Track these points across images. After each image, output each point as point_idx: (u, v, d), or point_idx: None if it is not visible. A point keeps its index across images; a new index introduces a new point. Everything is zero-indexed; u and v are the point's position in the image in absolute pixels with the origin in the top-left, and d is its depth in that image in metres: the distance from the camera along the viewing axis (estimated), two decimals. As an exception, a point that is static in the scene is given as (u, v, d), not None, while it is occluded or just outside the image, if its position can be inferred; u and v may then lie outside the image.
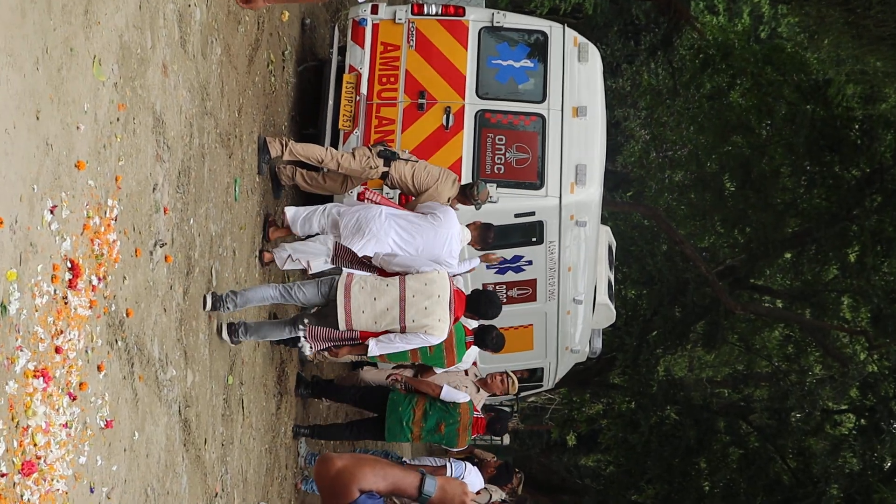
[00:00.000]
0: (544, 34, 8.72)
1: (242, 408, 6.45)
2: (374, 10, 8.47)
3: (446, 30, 8.51)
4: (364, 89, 8.26)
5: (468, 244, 7.29)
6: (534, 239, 8.73)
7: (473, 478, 7.79)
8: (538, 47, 8.66)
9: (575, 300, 9.65)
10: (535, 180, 8.29)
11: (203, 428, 5.58)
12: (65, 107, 3.81)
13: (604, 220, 10.84)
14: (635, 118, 18.86)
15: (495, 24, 8.62)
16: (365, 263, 6.50)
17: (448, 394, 7.58)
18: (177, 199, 5.10)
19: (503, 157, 8.27)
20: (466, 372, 8.13)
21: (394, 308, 5.93)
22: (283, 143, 7.11)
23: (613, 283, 11.75)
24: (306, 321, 6.19)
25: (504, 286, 9.23)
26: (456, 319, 6.37)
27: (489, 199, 7.47)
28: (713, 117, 14.91)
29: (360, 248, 6.68)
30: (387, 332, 6.02)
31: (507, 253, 8.80)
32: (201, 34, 5.53)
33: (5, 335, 3.41)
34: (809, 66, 13.90)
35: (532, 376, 11.42)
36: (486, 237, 7.21)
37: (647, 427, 15.96)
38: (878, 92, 13.60)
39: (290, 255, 6.88)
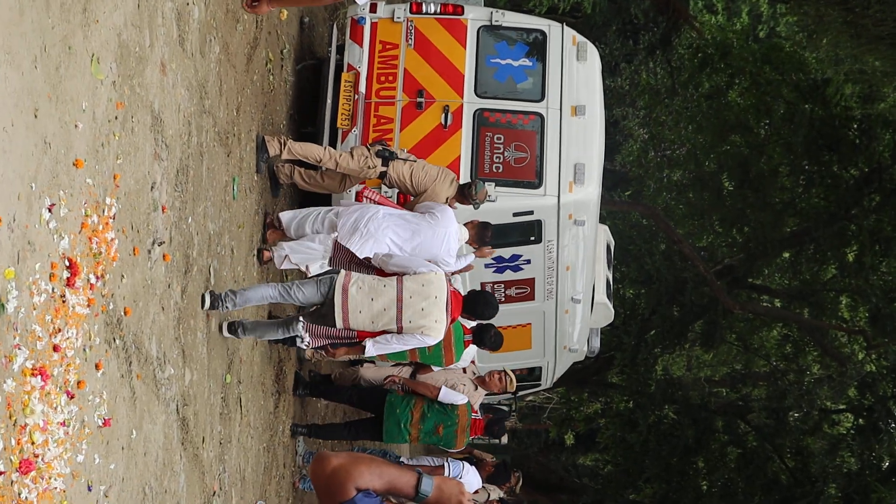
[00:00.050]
0: (543, 33, 8.72)
1: (240, 406, 6.45)
2: (373, 9, 8.47)
3: (445, 28, 8.51)
4: (362, 88, 8.26)
5: (466, 243, 7.29)
6: (532, 238, 8.73)
7: (471, 477, 7.80)
8: (537, 46, 8.66)
9: (573, 299, 9.65)
10: (533, 179, 8.29)
11: (201, 426, 5.58)
12: (63, 105, 3.80)
13: (602, 220, 10.85)
14: (634, 117, 18.88)
15: (494, 23, 8.62)
16: (363, 264, 6.51)
17: (446, 395, 7.58)
18: (175, 198, 5.10)
19: (502, 156, 8.27)
20: (465, 370, 8.13)
21: (391, 308, 5.96)
22: (282, 141, 7.11)
23: (612, 283, 11.75)
24: (302, 320, 6.22)
25: (502, 285, 9.23)
26: (453, 320, 6.41)
27: (487, 199, 7.48)
28: (712, 116, 14.92)
29: (359, 249, 6.67)
30: (384, 332, 6.06)
31: (506, 252, 8.81)
32: (200, 33, 5.53)
33: (3, 333, 3.41)
34: (808, 66, 13.91)
35: (530, 375, 11.42)
36: (483, 236, 7.21)
37: (646, 426, 15.97)
38: (876, 91, 13.60)
39: (287, 255, 6.89)
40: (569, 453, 24.50)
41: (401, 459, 8.14)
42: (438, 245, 6.87)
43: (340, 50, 8.51)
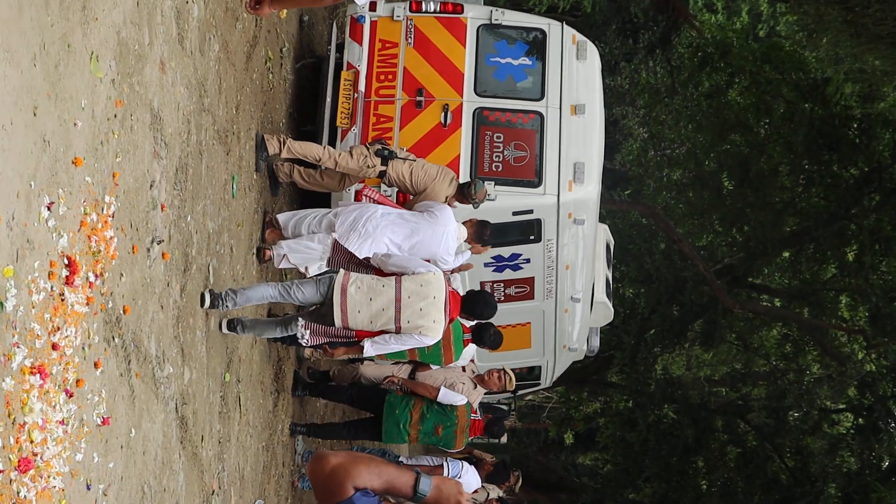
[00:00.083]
0: (543, 32, 8.71)
1: (239, 405, 6.44)
2: (373, 8, 8.46)
3: (444, 27, 8.51)
4: (362, 86, 8.25)
5: (464, 241, 7.28)
6: (532, 237, 8.73)
7: (470, 477, 7.79)
8: (536, 45, 8.66)
9: (573, 298, 9.65)
10: (533, 178, 8.28)
11: (200, 425, 5.57)
12: (62, 103, 3.80)
13: (602, 219, 10.85)
14: (634, 116, 18.87)
15: (494, 22, 8.62)
16: (363, 264, 6.52)
17: (445, 396, 7.57)
18: (174, 196, 5.10)
19: (501, 155, 8.27)
20: (464, 368, 8.13)
21: (389, 308, 5.98)
22: (281, 140, 7.10)
23: (611, 282, 11.75)
24: (301, 321, 6.23)
25: (502, 284, 9.23)
26: (451, 320, 6.43)
27: (487, 198, 7.47)
28: (711, 116, 14.91)
29: (357, 249, 6.68)
30: (383, 331, 6.07)
31: (505, 251, 8.81)
32: (199, 31, 5.52)
33: (2, 332, 3.40)
34: (808, 65, 13.90)
35: (530, 374, 11.42)
36: (482, 234, 7.21)
37: (645, 425, 15.96)
38: (876, 90, 13.59)
39: (285, 255, 6.90)
40: (568, 452, 24.50)
41: (400, 459, 8.14)
42: (437, 244, 6.87)
43: (340, 48, 8.51)
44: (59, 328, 3.78)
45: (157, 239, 4.83)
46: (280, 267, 7.00)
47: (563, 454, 24.28)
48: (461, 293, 7.46)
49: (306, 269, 6.89)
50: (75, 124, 3.90)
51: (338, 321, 6.00)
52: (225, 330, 6.03)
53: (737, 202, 15.16)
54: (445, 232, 6.88)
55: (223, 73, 6.05)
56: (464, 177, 8.05)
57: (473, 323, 7.34)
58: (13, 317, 3.46)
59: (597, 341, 11.79)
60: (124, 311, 4.41)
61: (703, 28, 15.36)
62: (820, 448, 15.67)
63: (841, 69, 12.30)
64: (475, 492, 8.16)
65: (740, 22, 16.67)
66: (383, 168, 7.24)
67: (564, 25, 8.84)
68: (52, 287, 3.73)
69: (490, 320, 7.00)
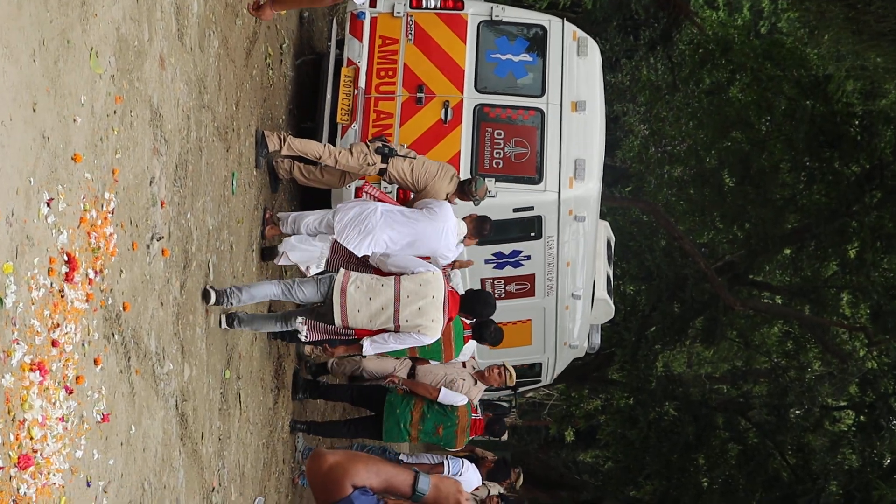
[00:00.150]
0: (543, 28, 8.70)
1: (240, 402, 6.44)
2: (373, 4, 8.45)
3: (445, 23, 8.49)
4: (362, 83, 8.24)
5: (465, 237, 7.27)
6: (532, 234, 8.72)
7: (471, 475, 7.79)
8: (537, 41, 8.64)
9: (573, 295, 9.64)
10: (533, 175, 8.27)
11: (200, 422, 5.57)
12: (61, 99, 3.79)
13: (602, 216, 10.83)
14: (634, 113, 18.83)
15: (494, 18, 8.61)
16: (362, 263, 6.53)
17: (446, 396, 7.57)
18: (174, 193, 5.09)
19: (502, 152, 8.25)
20: (464, 364, 8.12)
21: (388, 308, 6.04)
22: (282, 137, 7.09)
23: (612, 279, 11.74)
24: (301, 317, 6.26)
25: (502, 281, 9.22)
26: (450, 319, 6.48)
27: (487, 195, 7.46)
28: (712, 113, 14.88)
29: (356, 247, 6.67)
30: (382, 330, 6.11)
31: (506, 248, 8.80)
32: (199, 27, 5.51)
33: (2, 328, 3.40)
34: (809, 62, 13.87)
35: (530, 371, 11.41)
36: (481, 229, 7.20)
37: (646, 423, 15.94)
38: (878, 88, 13.56)
39: (285, 252, 6.91)
40: (569, 450, 24.50)
41: (401, 457, 8.13)
42: (437, 240, 6.87)
43: (340, 45, 8.50)
44: (58, 325, 3.77)
45: (156, 235, 4.82)
46: (280, 264, 7.00)
47: (563, 451, 24.28)
48: (461, 291, 7.48)
49: (307, 268, 6.90)
50: (75, 120, 3.89)
51: (338, 320, 6.05)
52: (224, 325, 6.03)
53: (738, 199, 15.13)
54: (445, 228, 6.88)
55: (223, 69, 6.04)
56: (464, 173, 8.03)
57: (473, 320, 7.34)
58: (13, 313, 3.45)
59: (597, 338, 11.78)
60: (124, 308, 4.41)
61: (705, 25, 15.32)
62: (821, 445, 15.65)
63: (842, 66, 12.28)
64: (476, 489, 8.16)
65: (742, 18, 16.63)
66: (383, 166, 7.22)
67: (565, 22, 8.82)
68: (51, 283, 3.73)
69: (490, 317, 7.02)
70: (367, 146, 7.31)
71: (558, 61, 8.56)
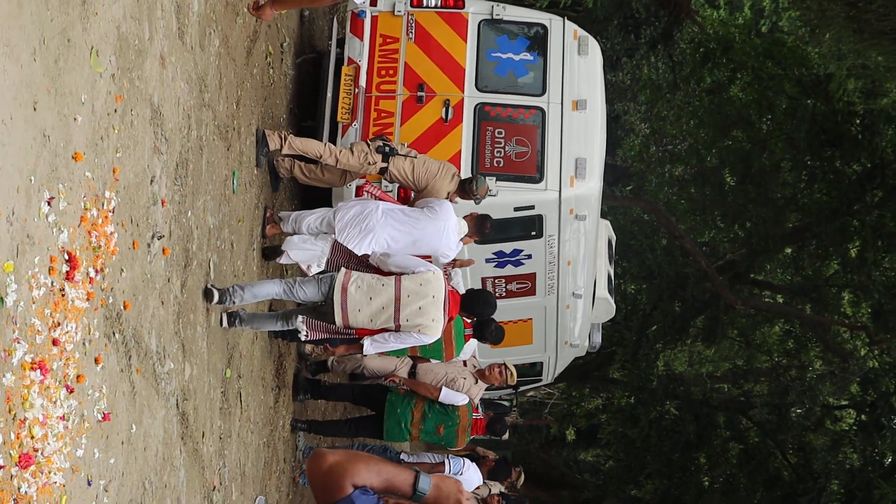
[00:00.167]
0: (544, 27, 8.69)
1: (240, 401, 6.44)
2: (374, 2, 8.44)
3: (445, 22, 8.48)
4: (363, 82, 8.23)
5: (466, 236, 7.27)
6: (533, 233, 8.71)
7: (472, 474, 7.79)
8: (538, 40, 8.63)
9: (574, 294, 9.64)
10: (534, 174, 8.26)
11: (201, 421, 5.57)
12: (62, 98, 3.79)
13: (603, 215, 10.82)
14: (635, 112, 18.82)
15: (495, 17, 8.60)
16: (362, 263, 6.54)
17: (447, 396, 7.56)
18: (174, 192, 5.09)
19: (502, 151, 8.25)
20: (465, 363, 8.11)
21: (389, 307, 6.07)
22: (283, 136, 7.09)
23: (613, 278, 11.73)
24: (301, 316, 6.28)
25: (503, 280, 9.22)
26: (451, 319, 6.50)
27: (488, 194, 7.45)
28: (713, 111, 14.86)
29: (357, 245, 6.67)
30: (383, 330, 6.13)
31: (507, 247, 8.79)
32: (199, 25, 5.51)
33: (2, 327, 3.40)
34: (810, 61, 13.85)
35: (531, 370, 11.41)
36: (482, 227, 7.20)
37: (647, 422, 15.93)
38: (879, 87, 13.56)
39: (286, 251, 6.92)
40: (570, 449, 24.49)
41: (402, 456, 8.13)
42: (438, 239, 6.87)
43: (341, 43, 8.49)
44: (59, 324, 3.77)
45: (157, 234, 4.82)
46: (281, 262, 7.01)
47: (564, 450, 24.27)
48: (462, 290, 7.48)
49: (308, 267, 6.92)
50: (75, 119, 3.89)
51: (338, 320, 6.09)
52: (225, 324, 6.03)
53: (739, 198, 15.12)
54: (446, 227, 6.88)
55: (223, 68, 6.04)
56: (465, 172, 8.03)
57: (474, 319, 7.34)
58: (13, 312, 3.45)
59: (598, 337, 11.78)
60: (125, 307, 4.41)
61: (705, 23, 15.31)
62: (822, 444, 15.63)
63: (844, 65, 12.26)
64: (477, 488, 8.16)
65: (742, 17, 16.62)
66: (384, 165, 7.22)
67: (566, 21, 8.81)
68: (52, 282, 3.72)
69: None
70: (368, 145, 7.30)
71: (559, 60, 8.56)
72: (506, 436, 9.03)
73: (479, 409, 9.11)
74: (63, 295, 3.80)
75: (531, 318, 9.99)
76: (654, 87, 16.48)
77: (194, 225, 5.44)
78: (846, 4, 10.42)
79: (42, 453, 3.63)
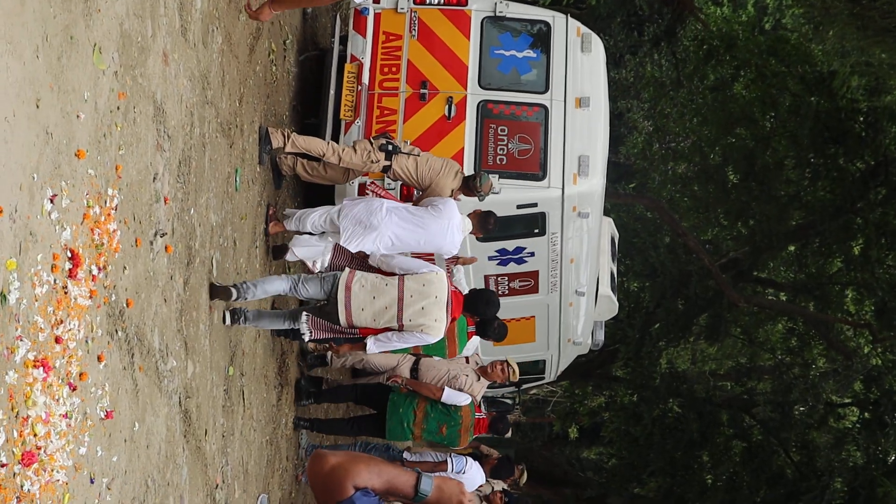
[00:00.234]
0: (547, 24, 8.67)
1: (243, 399, 6.43)
2: (376, 0, 8.43)
3: (448, 19, 8.47)
4: (366, 79, 8.22)
5: (469, 233, 7.27)
6: (536, 230, 8.70)
7: (475, 472, 7.78)
8: (541, 37, 8.61)
9: (577, 292, 9.62)
10: (537, 171, 8.25)
11: (203, 419, 5.56)
12: (65, 95, 3.78)
13: (606, 212, 10.81)
14: (638, 109, 18.79)
15: (498, 14, 8.58)
16: (364, 265, 6.55)
17: (449, 396, 7.56)
18: (177, 189, 5.08)
19: (505, 148, 8.23)
20: (467, 360, 8.11)
21: (392, 307, 6.09)
22: (285, 134, 7.08)
23: (616, 275, 11.72)
24: (306, 313, 6.30)
25: (506, 278, 9.21)
26: (453, 319, 6.52)
27: (492, 191, 7.44)
28: (717, 109, 14.83)
29: (360, 242, 6.68)
30: (386, 329, 6.15)
31: (510, 244, 8.78)
32: (202, 23, 5.50)
33: (5, 325, 3.39)
34: (814, 58, 13.82)
35: (534, 368, 11.40)
36: (485, 224, 7.19)
37: (650, 420, 15.93)
38: (883, 84, 13.52)
39: (291, 249, 6.93)
40: (573, 447, 24.50)
41: (404, 454, 8.12)
42: (442, 237, 6.87)
43: (343, 41, 8.48)
44: (62, 321, 3.76)
45: (160, 232, 4.81)
46: (287, 259, 7.04)
47: (567, 448, 24.28)
48: (464, 287, 7.48)
49: (313, 263, 6.95)
50: (78, 116, 3.89)
51: (342, 319, 6.12)
52: (228, 321, 6.03)
53: (742, 196, 15.09)
54: (450, 225, 6.88)
55: (226, 65, 6.03)
56: (468, 170, 8.01)
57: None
58: (16, 310, 3.45)
59: (601, 335, 11.76)
60: (127, 305, 4.40)
61: (709, 21, 15.27)
62: (826, 442, 15.63)
63: (847, 62, 12.23)
64: (479, 487, 8.15)
65: (746, 14, 16.59)
66: (387, 163, 7.21)
67: (569, 18, 8.80)
68: (55, 280, 3.72)
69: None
70: (371, 143, 7.29)
71: (562, 57, 8.54)
72: (508, 434, 9.03)
73: (482, 408, 9.10)
74: (66, 292, 3.80)
75: (534, 316, 9.98)
76: (657, 85, 16.46)
77: (197, 222, 5.44)
78: (850, 1, 10.40)
79: (45, 451, 3.63)
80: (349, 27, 8.44)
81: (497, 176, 7.94)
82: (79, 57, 3.89)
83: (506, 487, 8.84)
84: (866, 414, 15.40)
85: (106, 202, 4.15)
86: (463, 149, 8.13)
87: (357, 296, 6.08)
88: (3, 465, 3.36)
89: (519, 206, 8.30)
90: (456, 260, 7.77)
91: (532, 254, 8.95)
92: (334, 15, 9.15)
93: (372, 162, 7.22)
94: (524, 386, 13.30)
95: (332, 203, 7.55)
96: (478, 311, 6.76)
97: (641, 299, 17.64)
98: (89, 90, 3.98)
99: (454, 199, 7.21)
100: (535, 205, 8.35)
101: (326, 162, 7.44)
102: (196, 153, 5.40)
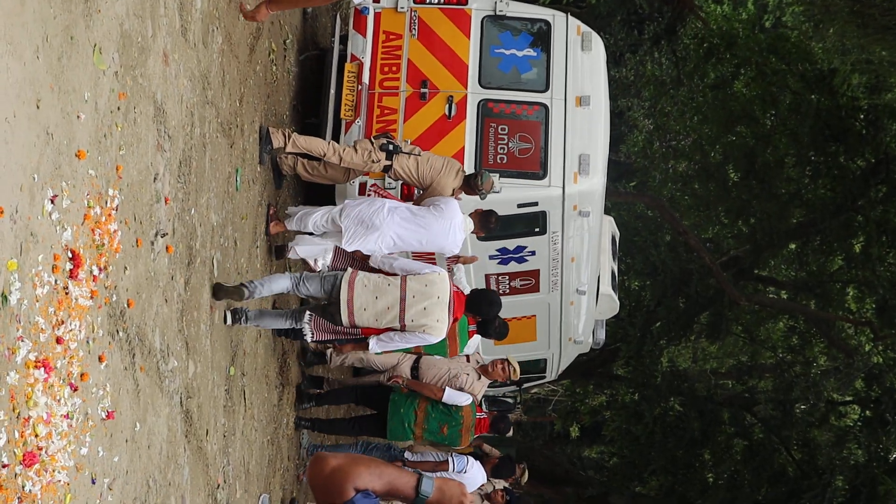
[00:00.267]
0: (547, 23, 8.66)
1: (244, 399, 6.43)
2: (376, -1, 8.44)
3: (448, 18, 8.46)
4: (366, 78, 8.22)
5: (471, 232, 7.26)
6: (537, 229, 8.69)
7: (476, 471, 7.77)
8: (541, 36, 8.61)
9: (578, 291, 9.62)
10: (538, 170, 8.24)
11: (205, 419, 5.56)
12: (65, 96, 3.78)
13: (607, 211, 10.80)
14: (639, 108, 18.77)
15: (498, 13, 8.57)
16: (365, 268, 6.55)
17: (450, 397, 7.56)
18: (178, 189, 5.08)
19: (506, 147, 8.23)
20: (468, 358, 8.11)
21: (394, 307, 6.11)
22: (286, 134, 7.08)
23: (617, 274, 11.71)
24: (309, 313, 6.31)
25: (507, 277, 9.21)
26: (455, 320, 6.53)
27: (493, 190, 7.44)
28: (717, 107, 14.82)
29: (362, 242, 6.68)
30: (388, 329, 6.15)
31: (510, 243, 8.78)
32: (202, 22, 5.50)
33: (6, 325, 3.39)
34: (814, 56, 13.81)
35: (535, 367, 11.40)
36: (487, 223, 7.19)
37: (651, 418, 15.92)
38: (883, 81, 13.52)
39: (293, 248, 6.93)
40: (574, 446, 24.50)
41: (405, 453, 8.12)
42: (444, 237, 6.87)
43: (344, 40, 8.47)
44: (63, 322, 3.76)
45: (160, 232, 4.81)
46: (290, 257, 7.04)
47: (568, 447, 24.27)
48: (464, 286, 7.47)
49: (314, 261, 6.95)
50: (78, 117, 3.88)
51: (344, 318, 6.13)
52: (229, 321, 6.02)
53: (743, 194, 15.09)
54: (452, 225, 6.89)
55: (226, 65, 6.03)
56: (468, 169, 8.01)
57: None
58: (17, 310, 3.45)
59: (602, 334, 11.75)
60: (128, 305, 4.40)
61: (709, 19, 15.26)
62: (827, 440, 15.62)
63: (848, 60, 12.23)
64: (481, 487, 8.15)
65: (746, 12, 16.58)
66: (388, 163, 7.21)
67: (569, 16, 8.79)
68: (56, 280, 3.72)
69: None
70: (372, 143, 7.29)
71: (562, 56, 8.53)
72: (510, 433, 9.03)
73: (483, 407, 9.11)
74: (67, 293, 3.80)
75: (535, 315, 9.98)
76: (657, 83, 16.45)
77: (197, 222, 5.44)
78: (850, -1, 10.41)
79: (46, 452, 3.63)
80: (349, 26, 8.44)
81: (497, 175, 7.94)
82: (79, 57, 3.88)
83: (507, 486, 8.85)
84: (867, 412, 15.40)
85: (107, 202, 4.14)
86: (463, 148, 8.13)
87: (360, 296, 6.10)
88: (4, 466, 3.36)
89: (520, 205, 8.29)
90: (456, 259, 7.77)
91: (533, 253, 8.95)
92: (334, 14, 9.14)
93: (373, 162, 7.22)
94: (525, 385, 13.30)
95: (333, 203, 7.55)
96: (480, 311, 6.79)
97: (642, 298, 17.63)
98: (89, 90, 3.98)
99: (455, 198, 7.21)
100: (535, 204, 8.35)
101: (327, 162, 7.44)
102: (196, 153, 5.40)
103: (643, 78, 16.91)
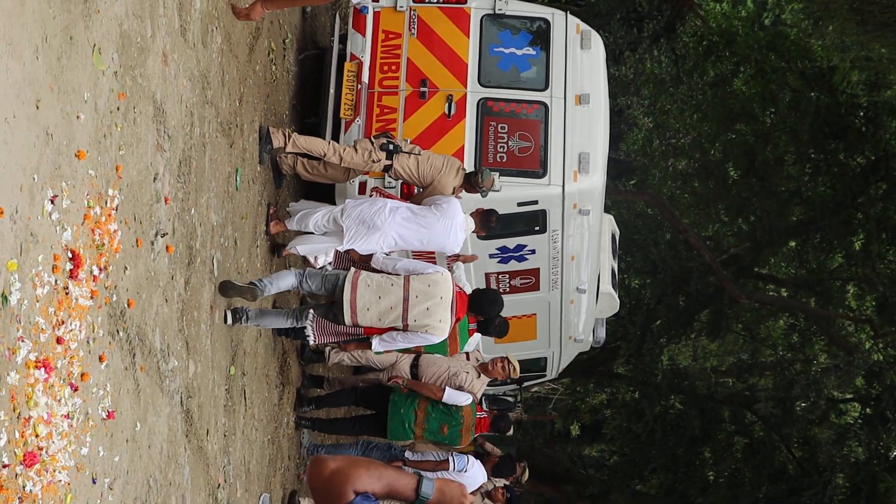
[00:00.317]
0: (547, 22, 8.66)
1: (245, 398, 6.44)
2: (375, -2, 8.43)
3: (448, 17, 8.46)
4: (365, 78, 8.22)
5: (472, 231, 7.27)
6: (537, 228, 8.70)
7: (476, 471, 7.78)
8: (541, 35, 8.61)
9: (578, 289, 9.62)
10: (537, 169, 8.24)
11: (205, 419, 5.57)
12: (65, 96, 3.78)
13: (607, 209, 10.80)
14: (638, 106, 18.77)
15: (497, 12, 8.57)
16: (366, 268, 6.56)
17: (450, 396, 7.56)
18: (178, 189, 5.08)
19: (506, 146, 8.23)
20: (468, 356, 8.11)
21: (397, 307, 6.14)
22: (286, 133, 7.08)
23: (617, 272, 11.71)
24: (312, 313, 6.32)
25: (507, 275, 9.21)
26: (458, 320, 6.55)
27: (493, 188, 7.44)
28: (717, 105, 14.82)
29: (364, 242, 6.68)
30: (391, 328, 6.17)
31: (510, 242, 8.78)
32: (201, 22, 5.50)
33: (6, 326, 3.39)
34: (814, 53, 13.81)
35: (535, 365, 11.40)
36: (487, 222, 7.20)
37: (652, 417, 15.93)
38: (883, 79, 13.52)
39: (295, 246, 6.94)
40: (574, 444, 24.50)
41: (406, 453, 8.13)
42: (446, 236, 6.88)
43: (343, 39, 8.47)
44: (63, 322, 3.76)
45: (160, 232, 4.81)
46: (291, 253, 7.05)
47: (569, 446, 24.28)
48: (466, 285, 7.48)
49: (315, 258, 6.96)
50: (78, 117, 3.88)
51: (347, 318, 6.15)
52: (229, 320, 6.02)
53: (742, 192, 15.09)
54: (453, 224, 6.89)
55: (226, 65, 6.03)
56: (468, 168, 8.01)
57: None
58: (17, 311, 3.45)
59: (603, 332, 11.76)
60: (129, 305, 4.40)
61: (708, 17, 15.26)
62: (827, 438, 15.62)
63: (847, 57, 12.23)
64: (482, 485, 8.15)
65: (745, 10, 16.57)
66: (388, 162, 7.21)
67: (568, 15, 8.79)
68: (56, 281, 3.72)
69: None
70: (372, 143, 7.29)
71: (562, 54, 8.53)
72: (510, 432, 9.03)
73: (483, 406, 9.11)
74: (67, 293, 3.80)
75: (535, 314, 9.98)
76: (657, 81, 16.44)
77: (198, 222, 5.44)
78: (849, -3, 10.40)
79: (47, 452, 3.63)
80: (349, 26, 8.44)
81: (497, 174, 7.94)
82: (78, 57, 3.88)
83: (507, 484, 8.85)
84: (868, 409, 15.40)
85: (106, 202, 4.14)
86: (463, 147, 8.13)
87: (363, 295, 6.11)
88: (4, 466, 3.37)
89: (519, 204, 8.29)
90: (456, 258, 7.77)
91: (533, 251, 8.95)
92: (334, 14, 9.14)
93: (373, 161, 7.22)
94: (525, 383, 13.29)
95: (333, 202, 7.55)
96: (482, 311, 6.81)
97: (642, 296, 17.63)
98: (89, 91, 3.98)
99: (456, 196, 7.21)
100: (535, 202, 8.35)
101: (327, 161, 7.44)
102: (196, 153, 5.40)
103: (643, 76, 16.90)
